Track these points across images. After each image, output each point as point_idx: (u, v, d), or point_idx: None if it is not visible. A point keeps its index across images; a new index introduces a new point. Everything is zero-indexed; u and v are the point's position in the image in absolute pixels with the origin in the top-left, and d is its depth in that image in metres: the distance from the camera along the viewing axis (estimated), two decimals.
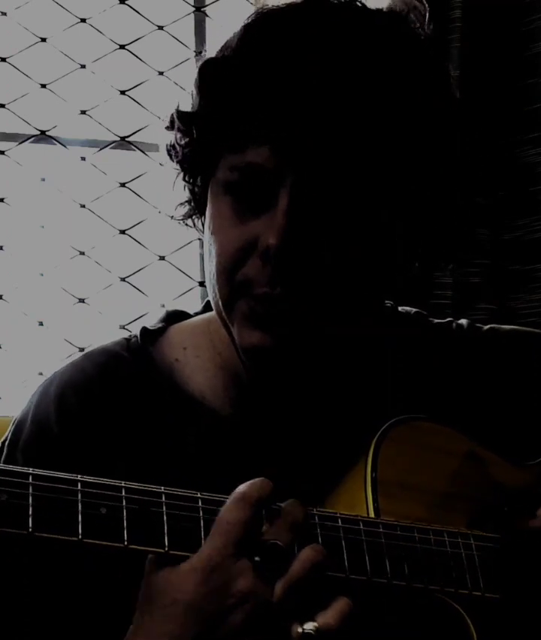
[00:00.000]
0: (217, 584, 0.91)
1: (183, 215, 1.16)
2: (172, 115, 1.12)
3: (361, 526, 1.01)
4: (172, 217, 1.17)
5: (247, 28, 1.08)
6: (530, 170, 2.35)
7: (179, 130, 1.11)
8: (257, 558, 0.92)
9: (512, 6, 2.38)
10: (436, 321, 1.30)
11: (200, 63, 1.11)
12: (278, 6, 1.09)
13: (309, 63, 1.01)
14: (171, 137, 1.13)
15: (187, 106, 1.11)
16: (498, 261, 2.36)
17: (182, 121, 1.10)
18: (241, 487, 0.95)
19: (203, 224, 1.14)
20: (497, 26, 2.37)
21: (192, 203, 1.15)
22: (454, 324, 1.30)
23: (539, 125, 2.34)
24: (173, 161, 1.13)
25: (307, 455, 1.13)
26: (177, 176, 1.14)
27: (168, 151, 1.13)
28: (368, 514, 1.05)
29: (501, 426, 1.22)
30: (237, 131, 1.04)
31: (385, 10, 1.10)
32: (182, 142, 1.11)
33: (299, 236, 1.02)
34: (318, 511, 1.01)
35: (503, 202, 2.36)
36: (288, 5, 1.08)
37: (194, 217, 1.16)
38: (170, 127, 1.12)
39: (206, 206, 1.11)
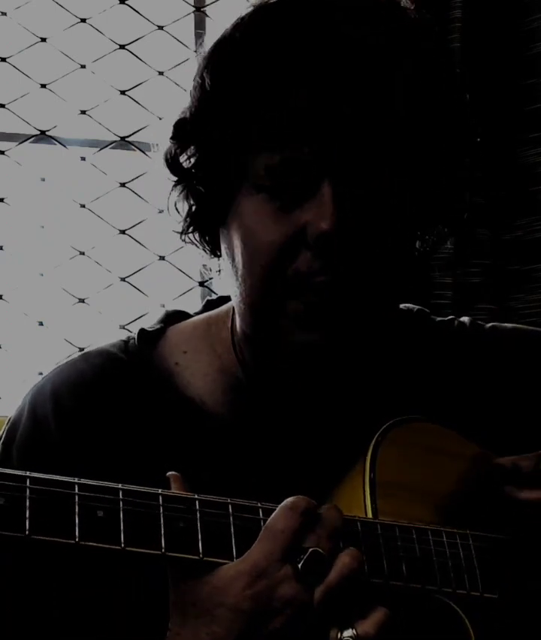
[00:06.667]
0: (262, 589, 0.93)
1: (197, 230, 1.12)
2: (181, 121, 1.07)
3: (359, 528, 1.01)
4: (183, 237, 1.12)
5: (265, 8, 1.04)
6: (530, 170, 2.35)
7: (190, 135, 1.07)
8: (299, 565, 0.94)
9: (512, 6, 2.39)
10: (438, 319, 1.30)
11: (209, 50, 1.05)
12: None
13: (344, 51, 1.00)
14: (170, 148, 1.08)
15: (187, 111, 1.06)
16: (498, 261, 2.36)
17: (197, 124, 1.06)
18: (291, 497, 0.97)
19: (220, 236, 1.10)
20: (497, 26, 2.37)
21: (206, 215, 1.10)
22: (456, 322, 1.29)
23: (539, 125, 2.34)
24: (176, 172, 1.08)
25: (306, 457, 1.13)
26: (175, 190, 1.09)
27: (169, 161, 1.08)
28: (366, 515, 1.05)
29: (501, 425, 1.21)
30: (268, 127, 1.01)
31: None
32: (193, 148, 1.07)
33: (347, 221, 1.01)
34: None
35: (503, 202, 2.36)
36: None
37: (206, 232, 1.12)
38: (177, 136, 1.07)
39: (226, 213, 1.07)
